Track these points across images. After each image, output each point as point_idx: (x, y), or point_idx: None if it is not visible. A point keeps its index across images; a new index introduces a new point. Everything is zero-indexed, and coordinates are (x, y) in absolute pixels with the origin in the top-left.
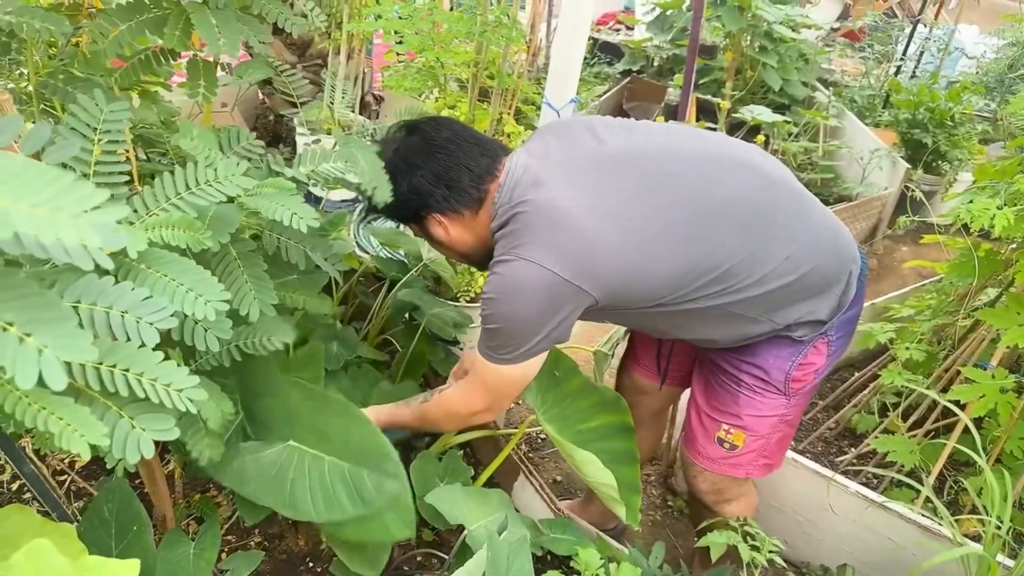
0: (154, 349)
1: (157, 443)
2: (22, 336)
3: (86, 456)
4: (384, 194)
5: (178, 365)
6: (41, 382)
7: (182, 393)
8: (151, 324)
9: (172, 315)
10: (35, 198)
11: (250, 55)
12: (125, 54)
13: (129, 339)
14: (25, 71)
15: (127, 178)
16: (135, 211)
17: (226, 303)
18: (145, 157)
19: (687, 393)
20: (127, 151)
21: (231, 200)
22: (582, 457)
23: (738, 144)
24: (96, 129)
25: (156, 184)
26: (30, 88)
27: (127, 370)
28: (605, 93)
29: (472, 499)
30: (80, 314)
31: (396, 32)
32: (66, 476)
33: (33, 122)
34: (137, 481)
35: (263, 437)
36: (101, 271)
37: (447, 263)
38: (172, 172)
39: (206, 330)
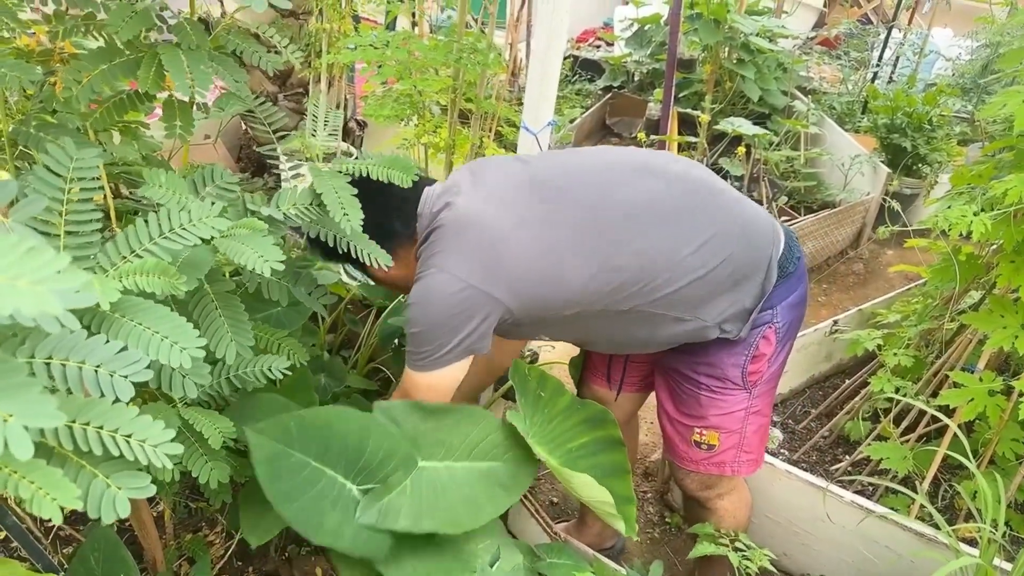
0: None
1: None
2: None
3: (57, 520)
4: (355, 221)
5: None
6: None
7: (158, 448)
8: (125, 377)
9: (148, 366)
10: None
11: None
12: (104, 95)
13: (103, 394)
14: None
15: (99, 225)
16: (108, 258)
17: (202, 350)
18: (128, 194)
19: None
20: (104, 194)
21: (207, 242)
22: (579, 481)
23: (646, 153)
24: (66, 178)
25: (129, 230)
26: (2, 137)
27: (101, 427)
28: (587, 110)
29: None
30: (52, 371)
31: (373, 62)
32: (53, 524)
33: (9, 170)
34: (126, 524)
35: (374, 480)
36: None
37: None
38: (146, 218)
39: (184, 376)
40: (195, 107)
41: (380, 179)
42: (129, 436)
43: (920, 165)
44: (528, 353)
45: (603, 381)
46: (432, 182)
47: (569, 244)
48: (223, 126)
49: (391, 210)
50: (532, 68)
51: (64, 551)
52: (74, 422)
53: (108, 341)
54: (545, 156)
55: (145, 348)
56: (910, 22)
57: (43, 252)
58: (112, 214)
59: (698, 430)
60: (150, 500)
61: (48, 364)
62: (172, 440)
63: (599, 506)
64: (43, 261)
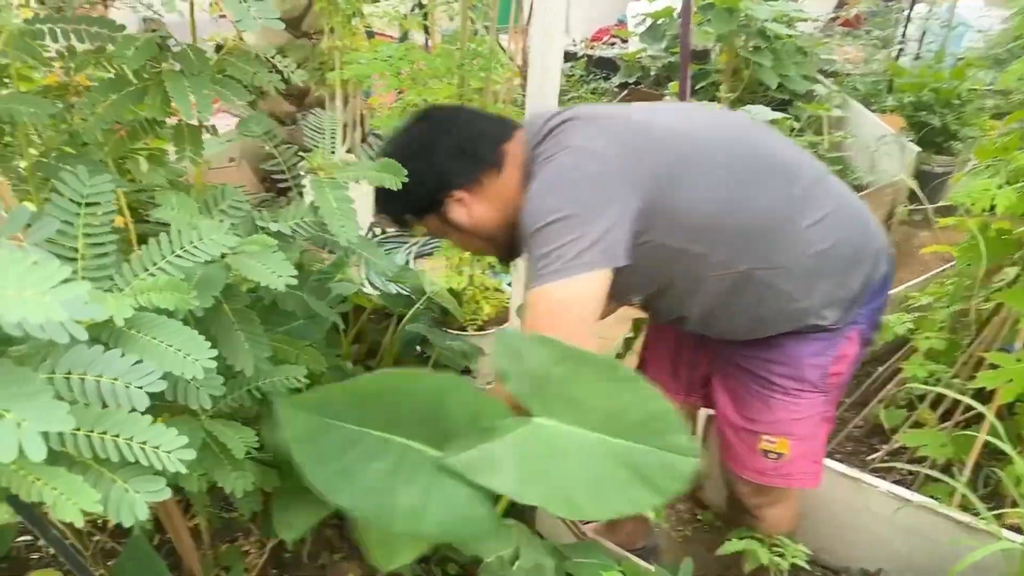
0: None
1: (180, 499)
2: (1, 412)
3: (79, 523)
4: (351, 232)
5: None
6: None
7: (171, 454)
8: (140, 388)
9: (162, 377)
10: (1, 281)
11: (252, 108)
12: (123, 123)
13: (119, 405)
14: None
15: (115, 248)
16: (124, 278)
17: (213, 360)
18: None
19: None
20: (124, 219)
21: (219, 259)
22: None
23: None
24: (81, 203)
25: (144, 251)
26: (25, 170)
27: (117, 435)
28: None
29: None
30: (72, 385)
31: (385, 75)
32: (97, 537)
33: (35, 201)
34: (166, 536)
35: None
36: (91, 341)
37: (449, 295)
38: (158, 239)
39: (198, 388)
40: (204, 130)
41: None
42: (144, 443)
43: (951, 142)
44: None
45: (669, 380)
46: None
47: (712, 167)
48: (247, 150)
49: (476, 134)
50: (531, 70)
51: (108, 564)
52: (92, 431)
53: (123, 355)
54: (662, 107)
55: (159, 360)
56: None
57: (47, 266)
58: (133, 238)
59: (767, 437)
60: (186, 512)
61: (68, 378)
62: (195, 450)
63: None
64: (47, 273)
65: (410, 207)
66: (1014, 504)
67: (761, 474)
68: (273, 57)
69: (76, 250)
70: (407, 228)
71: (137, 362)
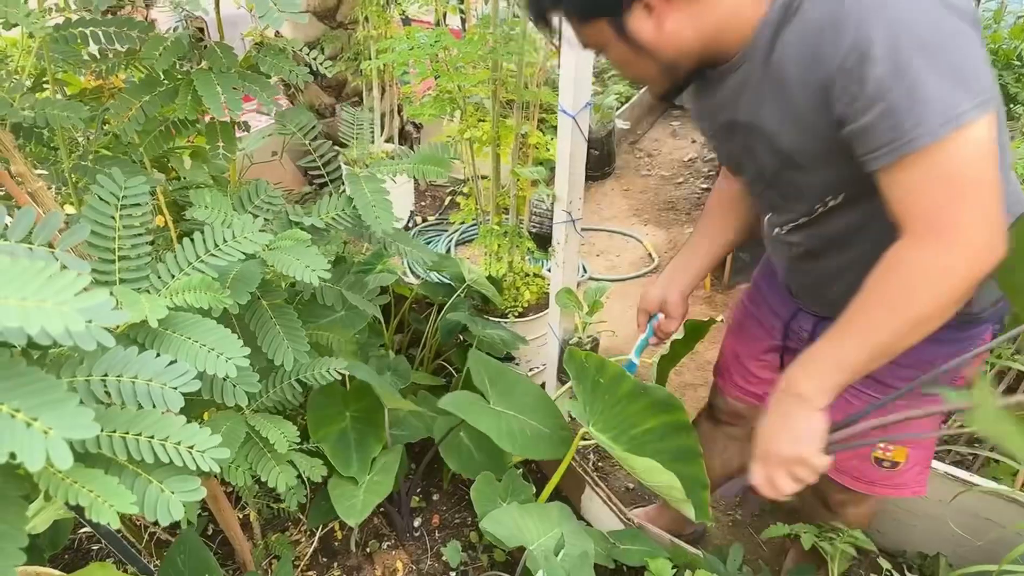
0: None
1: (230, 491)
2: (28, 421)
3: (115, 524)
4: (387, 224)
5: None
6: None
7: (205, 454)
8: (175, 389)
9: (196, 376)
10: (22, 292)
11: (291, 102)
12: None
13: (154, 405)
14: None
15: (149, 249)
16: (160, 279)
17: (246, 359)
18: None
19: None
20: (165, 218)
21: (252, 256)
22: (640, 464)
23: None
24: (117, 206)
25: (178, 250)
26: (65, 173)
27: (152, 436)
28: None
29: (531, 517)
30: (108, 387)
31: (414, 62)
32: (152, 529)
33: (74, 203)
34: (219, 528)
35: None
36: (129, 341)
37: (488, 283)
38: (192, 238)
39: (235, 386)
40: (236, 126)
41: None
42: (178, 443)
43: (1012, 105)
44: (588, 339)
45: (752, 387)
46: None
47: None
48: (287, 142)
49: None
50: (564, 50)
51: (164, 554)
52: (127, 433)
53: (158, 355)
54: None
55: (192, 360)
56: None
57: (65, 275)
58: (174, 235)
59: (883, 445)
60: (236, 503)
61: (104, 380)
62: (240, 446)
63: (667, 491)
64: (65, 283)
65: (579, 3)
66: None
67: (872, 484)
68: (302, 50)
69: (113, 251)
70: (549, 31)
71: (171, 362)
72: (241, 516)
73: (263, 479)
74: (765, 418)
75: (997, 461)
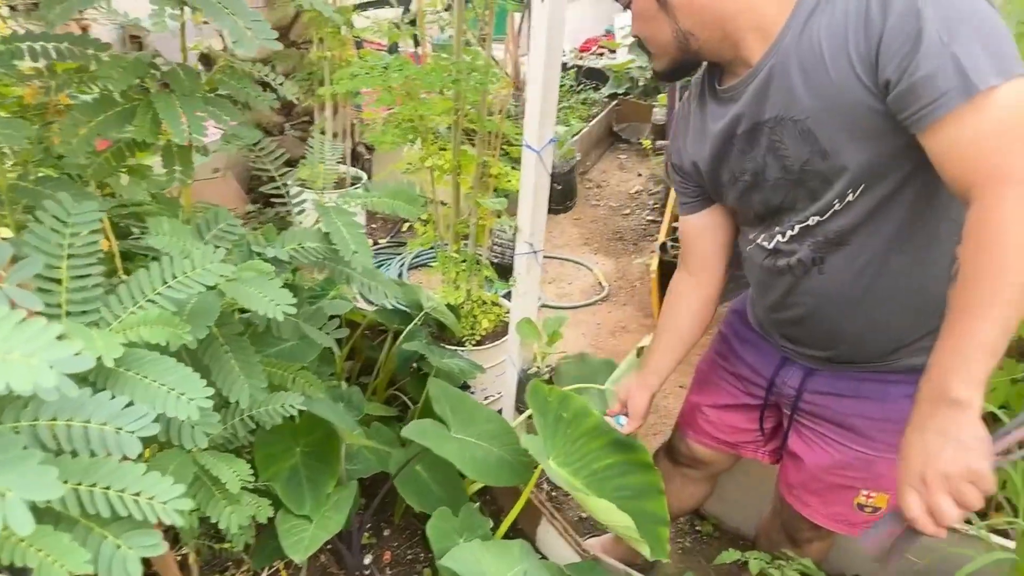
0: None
1: (167, 531)
2: None
3: None
4: (365, 259)
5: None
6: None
7: (167, 504)
8: (132, 433)
9: (156, 419)
10: None
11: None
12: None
13: (110, 452)
14: None
15: (101, 279)
16: (112, 311)
17: (210, 399)
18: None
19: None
20: (109, 242)
21: (212, 287)
22: (598, 506)
23: None
24: (65, 233)
25: (132, 281)
26: (1, 195)
27: (108, 487)
28: (594, 118)
29: (491, 554)
30: (57, 432)
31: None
32: None
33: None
34: (152, 570)
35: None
36: (80, 381)
37: (447, 310)
38: (147, 268)
39: (193, 427)
40: (195, 150)
41: None
42: (137, 495)
43: None
44: (546, 369)
45: (722, 438)
46: None
47: None
48: (232, 160)
49: None
50: (531, 86)
51: None
52: (80, 484)
53: (113, 397)
54: None
55: (151, 402)
56: None
57: (34, 323)
58: (118, 260)
59: (865, 492)
60: (174, 544)
61: (53, 425)
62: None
63: (623, 532)
64: (34, 331)
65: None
66: (998, 507)
67: (852, 526)
68: (261, 71)
69: (60, 282)
70: None
71: (128, 404)
72: (179, 557)
73: (213, 520)
74: (912, 440)
75: None
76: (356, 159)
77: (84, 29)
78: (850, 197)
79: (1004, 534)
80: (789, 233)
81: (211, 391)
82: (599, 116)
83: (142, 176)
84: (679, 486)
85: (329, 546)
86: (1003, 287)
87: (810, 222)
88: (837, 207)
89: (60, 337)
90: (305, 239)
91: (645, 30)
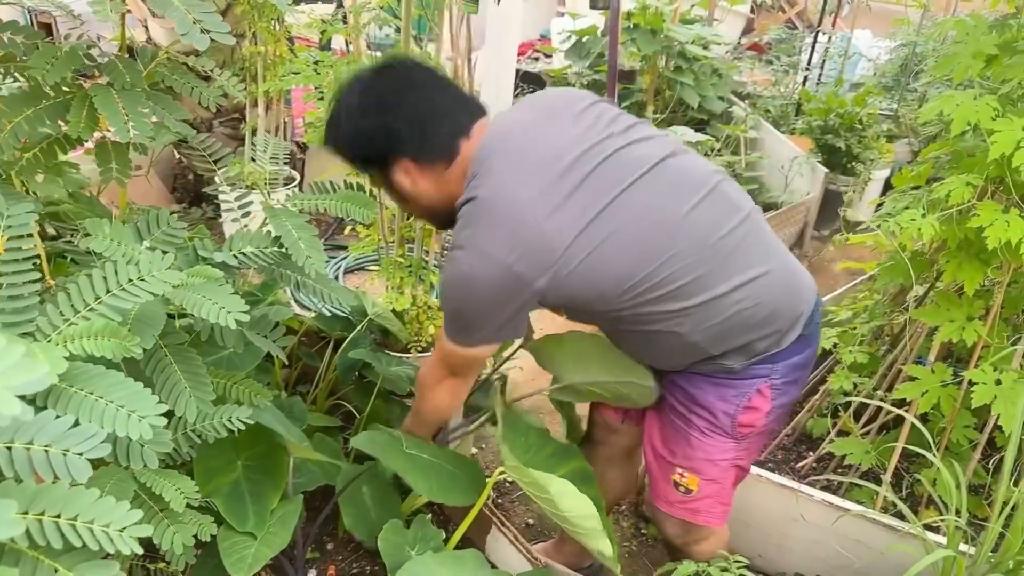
0: None
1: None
2: None
3: None
4: (319, 264)
5: None
6: None
7: (124, 532)
8: (80, 455)
9: (104, 440)
10: None
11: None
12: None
13: (57, 477)
14: None
15: (38, 286)
16: (50, 321)
17: (163, 417)
18: (55, 234)
19: None
20: (37, 245)
21: (156, 296)
22: (556, 489)
23: (710, 166)
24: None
25: (72, 288)
26: None
27: (58, 516)
28: None
29: (446, 567)
30: None
31: (316, 87)
32: None
33: None
34: None
35: None
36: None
37: (393, 316)
38: (89, 273)
39: (142, 446)
40: (130, 147)
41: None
42: (91, 523)
43: (854, 163)
44: (497, 377)
45: (611, 407)
46: (485, 111)
47: (621, 248)
48: (155, 157)
49: (439, 113)
50: (485, 90)
51: None
52: (27, 513)
53: (58, 416)
54: (604, 125)
55: (100, 420)
56: (833, 25)
57: None
58: (43, 262)
59: (680, 470)
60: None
61: None
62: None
63: (579, 522)
64: None
65: (357, 155)
66: (928, 503)
67: (670, 504)
68: (205, 64)
69: None
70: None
71: (74, 424)
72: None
73: (155, 540)
74: None
75: (860, 486)
76: (289, 158)
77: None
78: None
79: (936, 530)
80: None
81: (164, 408)
82: None
83: (58, 173)
84: (601, 472)
85: (271, 561)
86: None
87: None
88: None
89: (17, 363)
90: (254, 243)
91: (404, 207)
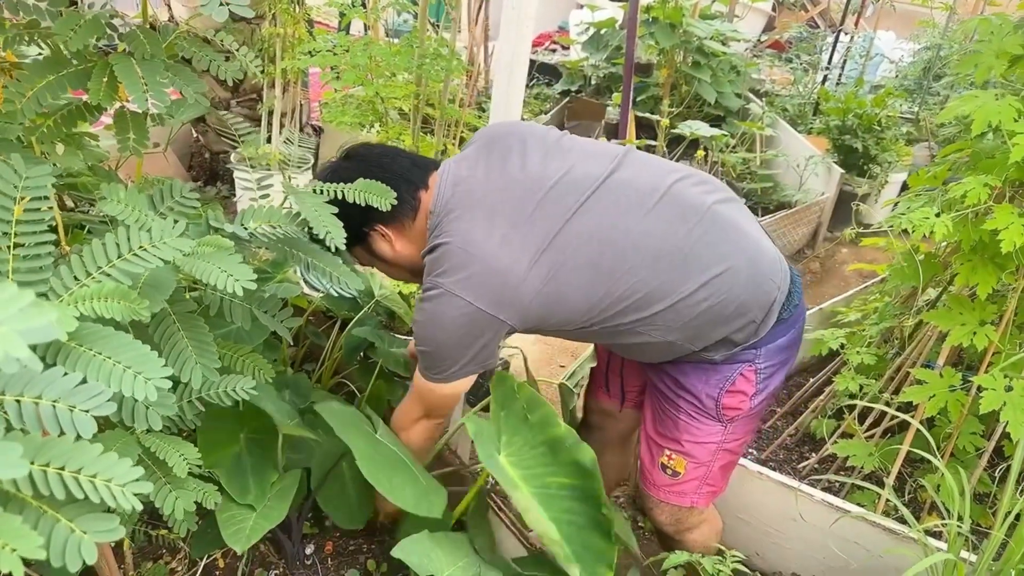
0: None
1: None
2: None
3: (18, 573)
4: (338, 238)
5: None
6: None
7: (126, 488)
8: (86, 412)
9: (111, 398)
10: None
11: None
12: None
13: (63, 432)
14: None
15: (52, 248)
16: (62, 282)
17: (168, 380)
18: (73, 205)
19: None
20: (55, 211)
21: (168, 262)
22: (522, 502)
23: (665, 168)
24: (15, 198)
25: (85, 251)
26: None
27: (63, 468)
28: (546, 114)
29: (441, 547)
30: (6, 408)
31: (333, 68)
32: None
33: None
34: None
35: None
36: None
37: (399, 299)
38: (103, 238)
39: (147, 408)
40: (148, 118)
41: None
42: (94, 476)
43: (871, 165)
44: (500, 362)
45: (607, 392)
46: (438, 165)
47: (573, 271)
48: (173, 134)
49: (397, 178)
50: (498, 78)
51: None
52: (32, 463)
53: (66, 373)
54: (549, 154)
55: (107, 379)
56: (856, 25)
57: (4, 289)
58: (60, 229)
59: (668, 452)
60: None
61: (1, 401)
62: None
63: (547, 543)
64: (4, 299)
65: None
66: (931, 509)
67: (658, 488)
68: (225, 39)
69: (7, 249)
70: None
71: (82, 381)
72: (113, 542)
73: (157, 505)
74: None
75: (862, 488)
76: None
77: None
78: None
79: (937, 536)
80: None
81: (169, 371)
82: (551, 112)
83: (79, 146)
84: (597, 456)
85: (269, 535)
86: None
87: None
88: None
89: (27, 308)
90: (271, 218)
91: (393, 274)
